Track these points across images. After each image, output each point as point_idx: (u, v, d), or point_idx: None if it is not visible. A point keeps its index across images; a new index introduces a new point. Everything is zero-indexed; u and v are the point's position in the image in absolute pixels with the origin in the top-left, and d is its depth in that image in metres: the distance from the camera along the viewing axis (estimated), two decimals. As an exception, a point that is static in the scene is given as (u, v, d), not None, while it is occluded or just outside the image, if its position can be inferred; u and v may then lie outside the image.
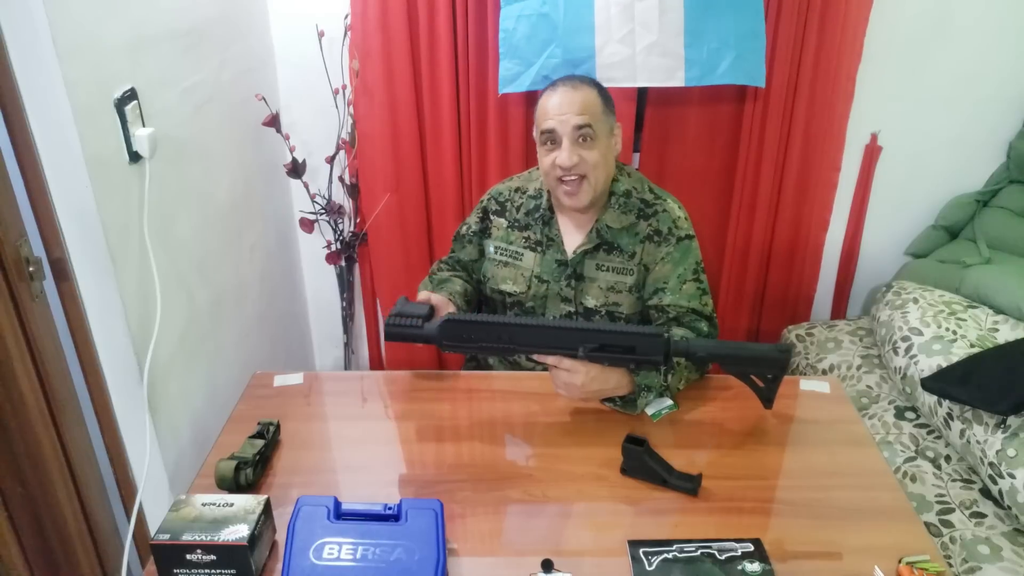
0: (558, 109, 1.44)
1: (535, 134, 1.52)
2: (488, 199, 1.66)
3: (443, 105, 2.08)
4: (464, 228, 1.67)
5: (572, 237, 1.57)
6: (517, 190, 1.63)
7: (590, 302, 1.56)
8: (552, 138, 1.46)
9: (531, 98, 2.03)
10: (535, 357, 1.33)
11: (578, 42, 1.89)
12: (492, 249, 1.63)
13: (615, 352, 1.29)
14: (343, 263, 2.32)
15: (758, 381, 1.35)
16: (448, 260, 1.71)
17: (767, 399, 1.36)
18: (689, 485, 1.20)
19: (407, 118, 2.10)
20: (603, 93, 1.50)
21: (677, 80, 1.91)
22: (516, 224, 1.61)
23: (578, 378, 1.31)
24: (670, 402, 1.41)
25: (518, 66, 1.93)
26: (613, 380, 1.35)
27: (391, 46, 2.01)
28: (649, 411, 1.39)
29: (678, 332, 1.46)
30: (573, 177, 1.45)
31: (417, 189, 2.21)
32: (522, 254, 1.60)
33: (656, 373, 1.37)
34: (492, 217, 1.64)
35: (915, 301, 1.97)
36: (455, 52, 2.03)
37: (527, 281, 1.59)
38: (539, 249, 1.58)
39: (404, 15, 1.98)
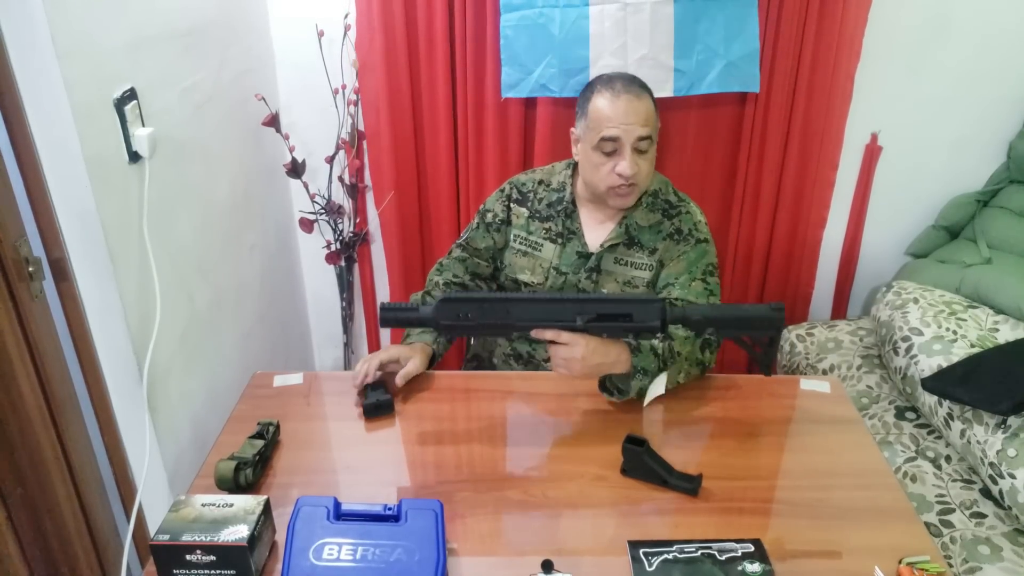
0: (624, 117, 1.45)
1: (583, 134, 1.51)
2: (510, 188, 1.66)
3: (442, 106, 2.09)
4: (490, 216, 1.65)
5: (594, 231, 1.59)
6: (540, 182, 1.64)
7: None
8: (615, 146, 1.46)
9: (529, 99, 2.07)
10: (533, 333, 1.30)
11: (573, 53, 1.94)
12: (511, 237, 1.65)
13: (612, 321, 1.28)
14: (343, 263, 2.33)
15: (755, 347, 1.33)
16: (449, 263, 1.68)
17: (766, 365, 1.34)
18: (689, 485, 1.20)
19: (408, 117, 2.12)
20: (654, 99, 1.52)
21: (667, 91, 1.97)
22: (537, 215, 1.62)
23: (578, 351, 1.29)
24: (662, 390, 1.39)
25: (518, 73, 1.99)
26: (613, 353, 1.34)
27: (395, 44, 2.02)
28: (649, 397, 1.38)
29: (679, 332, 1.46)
30: (629, 184, 1.47)
31: (418, 188, 2.23)
32: (542, 245, 1.61)
33: (654, 358, 1.37)
34: (513, 205, 1.65)
35: (915, 301, 1.97)
36: (452, 54, 2.04)
37: (545, 272, 1.61)
38: (559, 241, 1.60)
39: (411, 14, 2.00)
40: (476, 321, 1.29)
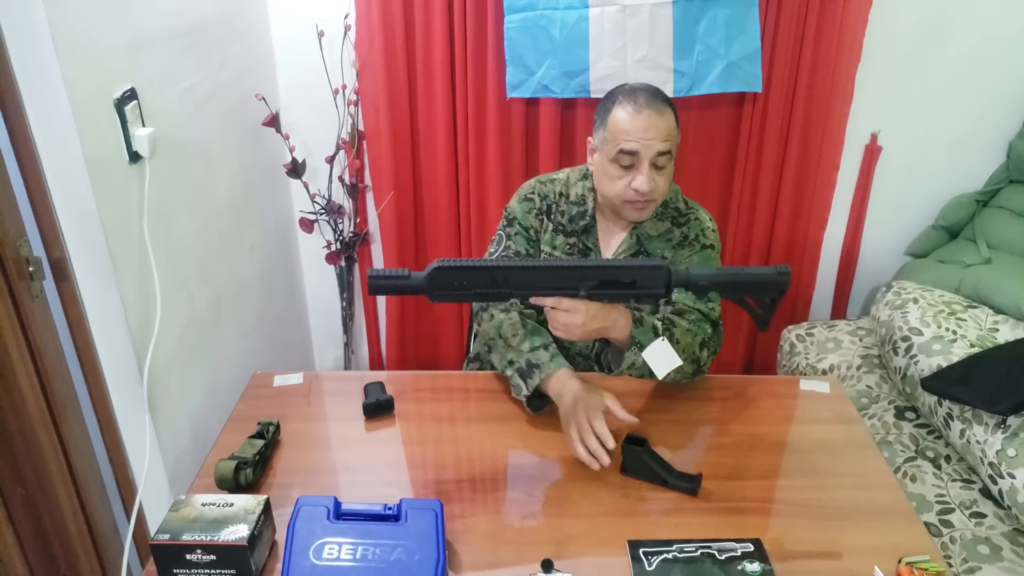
0: (644, 132, 1.40)
1: (600, 145, 1.47)
2: (540, 200, 1.59)
3: (442, 106, 2.09)
4: (532, 231, 1.59)
5: (608, 243, 1.57)
6: (561, 195, 1.59)
7: None
8: (632, 160, 1.42)
9: (531, 100, 2.08)
10: (532, 300, 1.26)
11: (574, 55, 1.97)
12: (539, 250, 1.60)
13: (615, 288, 1.24)
14: (343, 263, 2.33)
15: (755, 305, 1.31)
16: None
17: (763, 322, 1.31)
18: (689, 485, 1.20)
19: (408, 117, 2.12)
20: (676, 113, 1.47)
21: (666, 92, 1.92)
22: (561, 229, 1.58)
23: (578, 317, 1.28)
24: (677, 361, 1.35)
25: (522, 73, 2.01)
26: (612, 316, 1.34)
27: (395, 44, 2.03)
28: (657, 372, 1.34)
29: (683, 323, 1.45)
30: (645, 200, 1.44)
31: (418, 188, 2.23)
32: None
33: (654, 336, 1.36)
34: (543, 218, 1.59)
35: (915, 301, 1.97)
36: (452, 54, 2.04)
37: None
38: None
39: (409, 14, 2.00)
40: (472, 289, 1.22)
